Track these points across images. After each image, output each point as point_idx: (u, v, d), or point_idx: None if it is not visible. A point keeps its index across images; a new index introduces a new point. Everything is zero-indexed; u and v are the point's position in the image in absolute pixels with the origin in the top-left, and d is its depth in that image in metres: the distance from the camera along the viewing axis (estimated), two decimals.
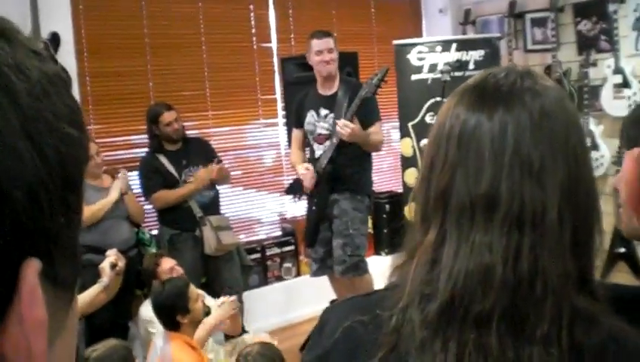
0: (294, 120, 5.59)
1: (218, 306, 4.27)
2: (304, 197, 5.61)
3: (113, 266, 3.79)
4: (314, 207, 5.45)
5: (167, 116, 5.49)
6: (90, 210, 5.04)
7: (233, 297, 4.40)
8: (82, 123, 0.58)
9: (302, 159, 5.58)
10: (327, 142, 5.31)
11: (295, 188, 5.62)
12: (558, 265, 0.95)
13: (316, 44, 5.30)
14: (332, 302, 5.93)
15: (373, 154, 5.57)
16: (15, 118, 0.49)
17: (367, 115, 5.23)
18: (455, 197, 1.00)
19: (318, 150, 5.40)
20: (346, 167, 5.30)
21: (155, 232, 5.78)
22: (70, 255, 0.56)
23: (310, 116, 5.42)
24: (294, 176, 5.71)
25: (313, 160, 5.44)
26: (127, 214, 5.33)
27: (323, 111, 5.35)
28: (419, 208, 1.07)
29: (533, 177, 0.96)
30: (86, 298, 3.76)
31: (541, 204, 0.95)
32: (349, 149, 5.23)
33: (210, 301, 4.47)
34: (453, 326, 0.96)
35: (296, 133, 5.60)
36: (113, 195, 5.15)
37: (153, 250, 5.43)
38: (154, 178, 5.49)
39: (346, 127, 4.99)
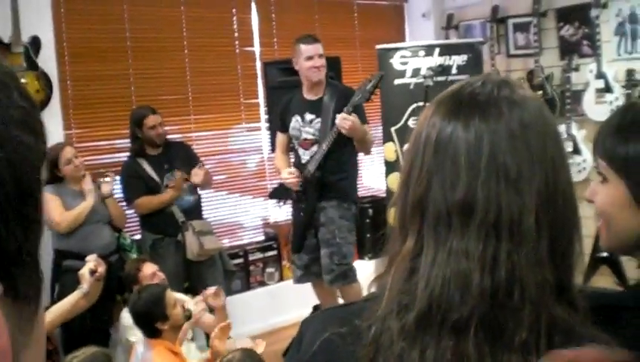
0: (279, 124, 5.55)
1: (195, 303, 4.25)
2: (289, 202, 5.58)
3: (93, 272, 3.75)
4: (301, 213, 5.40)
5: (152, 119, 5.46)
6: (71, 215, 5.00)
7: (213, 289, 4.39)
8: (36, 124, 0.56)
9: (286, 163, 5.54)
10: (314, 148, 5.27)
11: (279, 193, 5.59)
12: (536, 273, 0.95)
13: (306, 49, 5.25)
14: (315, 307, 5.93)
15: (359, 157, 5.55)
16: None
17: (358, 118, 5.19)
18: (432, 205, 0.99)
19: (304, 155, 5.35)
20: (334, 174, 5.26)
21: (137, 237, 5.75)
22: (31, 268, 0.54)
23: (295, 121, 5.37)
24: (278, 181, 5.69)
25: (300, 165, 5.39)
26: (108, 219, 5.29)
27: (308, 116, 5.31)
28: (397, 218, 1.06)
29: (510, 184, 0.95)
30: (66, 305, 3.71)
31: (518, 211, 0.95)
32: (338, 155, 5.20)
33: (191, 305, 4.44)
34: (430, 335, 0.96)
35: (281, 137, 5.56)
36: (90, 200, 5.10)
37: (134, 256, 5.39)
38: (136, 183, 5.46)
39: (346, 120, 4.94)
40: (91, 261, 3.70)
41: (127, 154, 5.68)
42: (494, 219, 0.95)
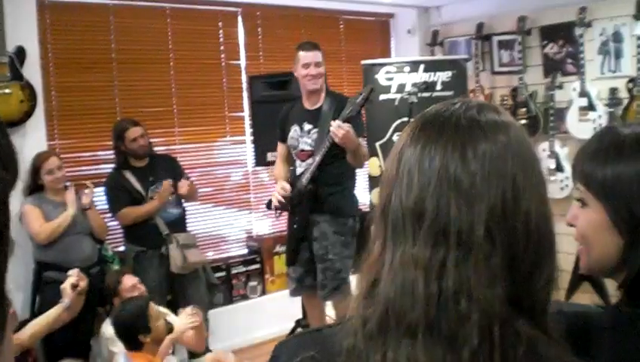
0: (279, 134, 5.46)
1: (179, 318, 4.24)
2: (284, 213, 5.50)
3: (74, 286, 3.74)
4: (295, 226, 5.33)
5: (133, 132, 5.44)
6: (50, 226, 4.98)
7: (190, 308, 4.38)
8: (9, 155, 0.56)
9: (284, 174, 5.45)
10: (310, 160, 5.18)
11: (274, 205, 5.55)
12: (486, 285, 0.96)
13: (303, 56, 5.17)
14: (297, 322, 5.91)
15: None
16: None
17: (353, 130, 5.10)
18: (391, 213, 1.02)
19: (300, 167, 5.27)
20: (328, 187, 5.16)
21: (119, 249, 5.73)
22: None
23: (293, 131, 5.29)
24: (262, 194, 5.67)
25: (294, 177, 5.32)
26: (89, 230, 5.26)
27: (307, 126, 5.24)
28: (373, 229, 1.10)
29: (461, 195, 0.98)
30: (47, 318, 3.71)
31: (468, 222, 0.97)
32: (332, 168, 5.12)
33: (174, 318, 4.42)
34: (390, 339, 0.97)
35: (280, 147, 5.47)
36: (70, 210, 5.08)
37: (116, 267, 5.37)
38: (120, 195, 5.44)
39: (340, 129, 4.80)
40: (73, 275, 3.69)
41: (110, 165, 5.66)
42: (443, 226, 0.97)
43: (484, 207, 0.97)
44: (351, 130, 4.85)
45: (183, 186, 5.53)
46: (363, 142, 5.33)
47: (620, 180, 1.33)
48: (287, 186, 5.26)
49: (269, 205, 5.60)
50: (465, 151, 0.99)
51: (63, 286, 4.01)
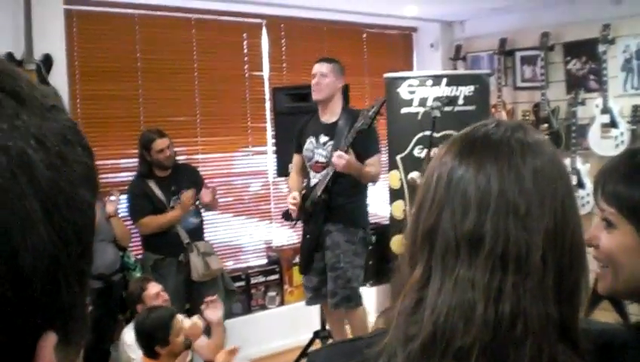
0: (295, 145, 5.53)
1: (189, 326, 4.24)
2: (299, 223, 5.56)
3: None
4: (308, 236, 5.39)
5: (160, 143, 5.47)
6: None
7: (210, 298, 4.43)
8: (95, 179, 0.58)
9: (298, 185, 5.52)
10: (324, 171, 5.24)
11: (291, 214, 5.59)
12: (540, 308, 0.97)
13: (313, 68, 5.28)
14: (315, 333, 5.92)
15: None
16: (34, 198, 0.50)
17: (366, 147, 5.19)
18: (441, 236, 1.02)
19: (314, 178, 5.34)
20: (341, 197, 5.22)
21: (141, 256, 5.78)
22: (82, 319, 0.57)
23: (309, 142, 5.36)
24: (282, 205, 5.71)
25: (308, 188, 5.38)
26: (112, 238, 5.30)
27: (323, 139, 5.29)
28: (407, 249, 1.09)
29: (519, 220, 0.98)
30: None
31: (525, 246, 0.97)
32: (345, 179, 5.17)
33: (187, 322, 4.44)
34: (433, 361, 0.97)
35: (296, 158, 5.54)
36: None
37: (138, 275, 5.39)
38: (143, 203, 5.48)
39: (341, 159, 4.92)
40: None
41: (133, 173, 5.70)
42: (502, 251, 0.97)
43: (541, 230, 0.98)
44: (351, 159, 4.99)
45: (207, 194, 5.58)
46: (376, 158, 5.36)
47: None
48: (297, 195, 5.34)
49: (285, 216, 5.67)
50: (520, 173, 1.00)
51: None
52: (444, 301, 0.99)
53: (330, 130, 5.27)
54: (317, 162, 5.33)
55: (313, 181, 5.35)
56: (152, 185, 5.50)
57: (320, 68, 5.25)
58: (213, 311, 4.42)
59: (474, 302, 0.97)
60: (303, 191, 5.44)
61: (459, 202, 1.01)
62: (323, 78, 5.24)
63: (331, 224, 5.25)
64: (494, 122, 1.09)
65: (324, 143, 5.29)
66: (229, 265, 6.66)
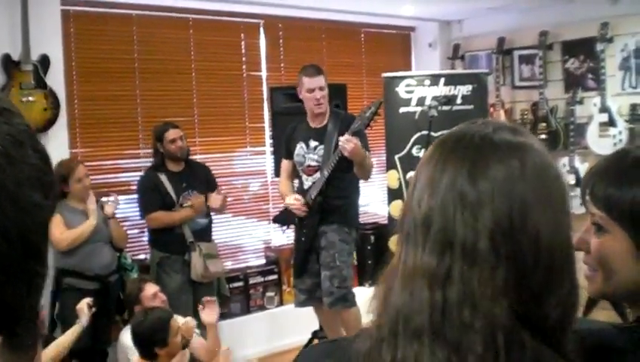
0: (284, 151, 5.58)
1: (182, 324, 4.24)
2: (292, 227, 5.60)
3: (90, 307, 3.93)
4: (302, 238, 5.42)
5: (173, 133, 5.51)
6: (71, 235, 4.98)
7: (207, 298, 4.44)
8: (49, 182, 0.57)
9: (290, 189, 5.56)
10: (317, 174, 5.30)
11: (283, 218, 5.61)
12: (488, 295, 0.97)
13: (307, 82, 5.25)
14: (314, 333, 5.92)
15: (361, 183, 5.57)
16: None
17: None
18: (406, 224, 1.06)
19: (307, 181, 5.39)
20: (335, 199, 5.30)
21: (140, 257, 5.79)
22: (31, 320, 0.56)
23: (300, 148, 5.40)
24: (281, 205, 5.71)
25: (302, 191, 5.42)
26: (109, 239, 5.28)
27: (312, 143, 5.35)
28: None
29: (467, 208, 1.00)
30: (66, 341, 3.97)
31: (472, 234, 0.99)
32: (339, 181, 5.24)
33: (181, 320, 4.44)
34: (399, 341, 1.00)
35: (286, 163, 5.57)
36: (92, 220, 5.10)
37: (135, 276, 5.39)
38: (153, 196, 5.50)
39: (349, 142, 4.93)
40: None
41: (131, 174, 5.70)
42: (449, 236, 1.00)
43: (489, 220, 0.98)
44: (359, 143, 5.00)
45: (216, 201, 5.60)
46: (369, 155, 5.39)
47: None
48: (298, 196, 5.37)
49: (275, 219, 5.72)
50: (474, 169, 1.02)
51: (79, 306, 4.14)
52: (403, 285, 1.02)
53: (320, 134, 5.34)
54: (309, 166, 5.39)
55: (307, 184, 5.39)
56: (164, 178, 5.52)
57: (319, 82, 5.26)
58: (210, 312, 4.42)
59: (422, 286, 1.00)
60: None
61: (420, 190, 1.05)
62: (323, 90, 5.28)
63: (325, 225, 5.30)
64: (479, 122, 1.10)
65: (315, 148, 5.35)
66: (228, 265, 6.66)
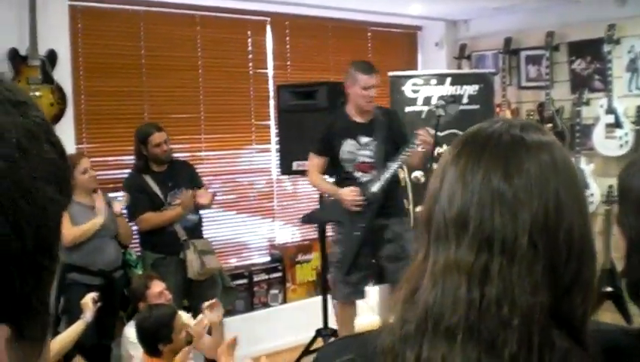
0: (321, 147, 5.47)
1: (196, 323, 4.25)
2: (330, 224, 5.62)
3: (95, 302, 3.96)
4: (357, 232, 5.34)
5: (157, 137, 5.45)
6: (76, 231, 4.93)
7: (210, 302, 4.41)
8: (64, 176, 0.58)
9: (333, 184, 5.53)
10: (373, 171, 5.31)
11: (321, 216, 5.58)
12: (528, 292, 0.98)
13: (365, 80, 5.24)
14: (318, 331, 5.92)
15: None
16: None
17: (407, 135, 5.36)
18: (435, 223, 1.06)
19: (363, 177, 5.36)
20: (392, 191, 5.40)
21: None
22: (40, 314, 0.56)
23: (350, 145, 5.35)
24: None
25: (360, 184, 5.35)
26: (114, 234, 5.26)
27: (363, 139, 5.34)
28: (416, 240, 1.14)
29: (505, 205, 1.01)
30: (70, 336, 4.01)
31: (512, 230, 1.00)
32: (395, 175, 5.40)
33: (188, 318, 4.45)
34: (426, 340, 1.00)
35: (319, 160, 5.48)
36: (100, 218, 5.08)
37: (139, 272, 5.39)
38: (141, 198, 5.45)
39: (429, 135, 5.15)
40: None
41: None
42: (487, 234, 1.00)
43: (528, 217, 1.00)
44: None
45: (203, 196, 5.56)
46: None
47: None
48: (353, 188, 5.33)
49: (309, 219, 5.73)
50: (508, 167, 1.03)
51: (83, 301, 4.16)
52: (435, 282, 1.02)
53: (368, 129, 5.35)
54: (363, 162, 5.37)
55: (363, 179, 5.36)
56: (149, 180, 5.48)
57: (375, 80, 5.32)
58: (214, 312, 4.42)
59: (459, 283, 1.00)
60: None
61: (447, 193, 1.05)
62: (375, 88, 5.36)
63: (385, 218, 5.35)
64: (498, 120, 1.12)
65: (366, 143, 5.35)
66: (232, 262, 6.66)
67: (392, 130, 5.33)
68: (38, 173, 0.54)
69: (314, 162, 5.51)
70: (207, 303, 4.41)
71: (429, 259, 1.05)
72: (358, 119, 5.38)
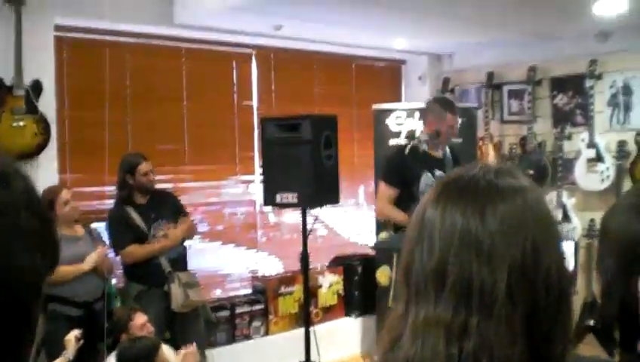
0: (396, 179, 5.51)
1: (179, 358, 4.22)
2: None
3: (78, 340, 3.94)
4: None
5: (145, 166, 5.45)
6: (60, 272, 4.87)
7: (192, 347, 4.38)
8: (46, 243, 0.58)
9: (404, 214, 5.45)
10: None
11: (394, 245, 5.57)
12: (507, 345, 0.98)
13: (452, 119, 5.46)
14: None
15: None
16: None
17: None
18: (414, 273, 1.06)
19: None
20: None
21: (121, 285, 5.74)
22: None
23: (427, 177, 5.38)
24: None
25: None
26: (96, 266, 5.21)
27: (438, 173, 5.41)
28: (396, 286, 1.14)
29: (483, 255, 1.01)
30: None
31: (489, 282, 1.00)
32: None
33: (171, 352, 4.42)
34: None
35: (393, 191, 5.50)
36: (84, 266, 5.04)
37: (118, 304, 5.35)
38: (125, 232, 5.41)
39: None
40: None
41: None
42: (465, 287, 1.00)
43: (505, 267, 1.00)
44: None
45: (186, 228, 5.59)
46: None
47: None
48: None
49: (385, 246, 5.94)
50: (484, 211, 1.03)
51: (67, 337, 4.12)
52: (415, 337, 1.02)
53: (441, 164, 5.48)
54: None
55: None
56: (132, 212, 5.45)
57: (458, 120, 5.63)
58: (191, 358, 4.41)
59: (437, 338, 1.00)
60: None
61: (427, 241, 1.05)
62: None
63: None
64: (476, 166, 1.13)
65: (441, 177, 5.36)
66: (215, 293, 6.63)
67: (458, 165, 5.36)
68: (16, 243, 0.54)
69: (386, 193, 5.54)
70: (185, 350, 4.38)
71: (410, 313, 1.05)
72: (434, 153, 5.50)
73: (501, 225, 1.02)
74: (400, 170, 5.50)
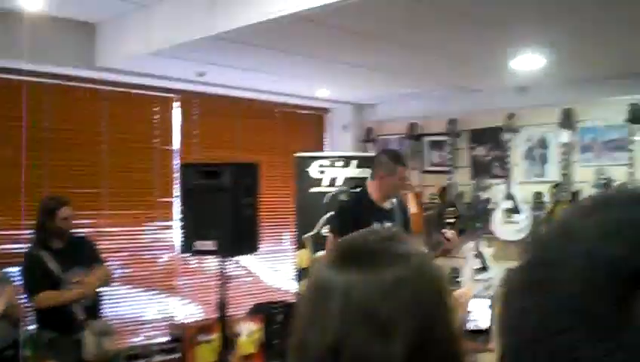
0: (345, 228, 5.43)
1: None
2: None
3: None
4: None
5: (66, 211, 5.34)
6: None
7: None
8: None
9: None
10: None
11: None
12: None
13: (404, 171, 5.47)
14: None
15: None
16: None
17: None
18: (309, 349, 1.03)
19: None
20: None
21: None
22: None
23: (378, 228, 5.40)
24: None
25: None
26: (3, 312, 5.05)
27: (387, 224, 5.39)
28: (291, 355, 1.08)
29: (379, 332, 0.98)
30: None
31: (387, 359, 0.97)
32: None
33: None
34: None
35: (336, 240, 5.50)
36: None
37: (29, 352, 5.17)
38: (39, 277, 5.27)
39: (456, 239, 5.31)
40: None
41: (29, 245, 5.51)
42: None
43: (402, 342, 0.98)
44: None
45: (103, 276, 5.48)
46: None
47: None
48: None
49: None
50: (383, 282, 1.01)
51: None
52: None
53: (390, 216, 5.47)
54: None
55: None
56: (47, 257, 5.31)
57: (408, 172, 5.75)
58: None
59: None
60: None
61: (323, 314, 1.02)
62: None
63: None
64: (372, 232, 1.12)
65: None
66: (132, 340, 6.48)
67: (405, 217, 5.55)
68: None
69: (333, 241, 5.53)
70: None
71: None
72: (383, 205, 5.49)
73: (398, 294, 1.00)
74: (353, 221, 5.51)
